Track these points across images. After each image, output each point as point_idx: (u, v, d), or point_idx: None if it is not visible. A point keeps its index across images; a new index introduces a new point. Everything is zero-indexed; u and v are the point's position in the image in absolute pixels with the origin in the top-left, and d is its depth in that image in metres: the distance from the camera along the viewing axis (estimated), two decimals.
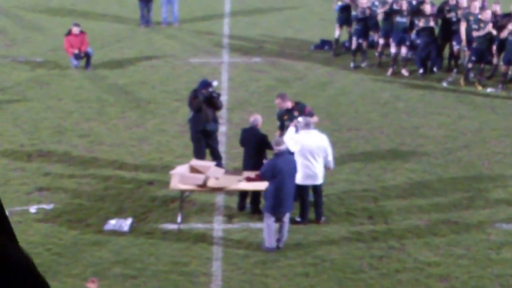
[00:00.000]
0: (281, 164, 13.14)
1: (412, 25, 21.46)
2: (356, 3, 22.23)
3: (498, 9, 21.14)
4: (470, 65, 20.65)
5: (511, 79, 20.76)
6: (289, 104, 14.87)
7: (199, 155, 15.57)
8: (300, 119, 14.21)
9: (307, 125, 13.98)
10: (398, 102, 20.00)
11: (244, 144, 14.53)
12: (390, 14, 21.58)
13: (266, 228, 13.32)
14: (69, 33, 22.00)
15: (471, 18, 20.53)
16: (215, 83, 15.78)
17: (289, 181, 13.15)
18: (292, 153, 13.50)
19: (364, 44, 22.17)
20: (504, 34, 20.12)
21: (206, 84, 15.60)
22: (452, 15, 21.48)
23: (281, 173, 13.07)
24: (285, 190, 13.15)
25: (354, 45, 22.19)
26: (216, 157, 15.73)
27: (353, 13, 22.23)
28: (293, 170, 13.22)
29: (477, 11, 20.57)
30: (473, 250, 13.47)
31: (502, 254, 13.34)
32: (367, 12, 21.86)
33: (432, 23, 20.99)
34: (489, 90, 20.51)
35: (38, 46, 24.15)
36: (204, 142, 15.61)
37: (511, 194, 15.37)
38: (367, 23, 22.03)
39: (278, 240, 13.39)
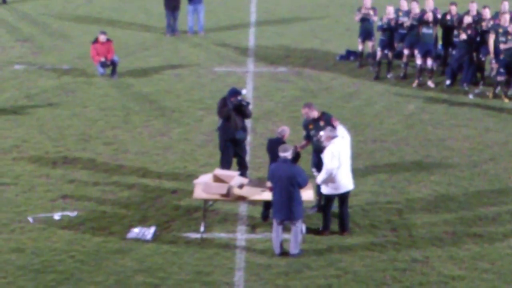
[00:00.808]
0: (274, 170, 13.33)
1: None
2: (368, 13, 22.10)
3: None
4: (499, 78, 20.49)
5: None
6: (315, 114, 14.83)
7: (226, 164, 15.61)
8: (321, 132, 14.18)
9: (332, 131, 13.97)
10: (423, 114, 19.89)
11: (270, 154, 14.50)
12: (416, 25, 21.48)
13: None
14: (95, 41, 22.13)
15: (501, 30, 20.37)
16: (244, 91, 15.83)
17: (278, 188, 13.24)
18: (289, 161, 13.39)
19: (390, 55, 22.09)
20: None
21: (235, 92, 15.61)
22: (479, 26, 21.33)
23: (274, 180, 13.29)
24: (276, 197, 13.32)
25: (378, 56, 22.11)
26: (242, 166, 15.73)
27: (379, 23, 22.15)
28: (285, 178, 13.16)
29: (507, 23, 20.39)
30: (498, 264, 13.33)
31: None
32: (392, 22, 21.79)
33: (463, 36, 20.78)
34: None
35: (65, 54, 24.31)
36: (232, 150, 15.62)
37: None
38: (392, 34, 21.95)
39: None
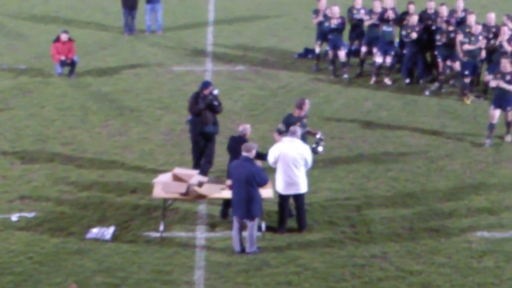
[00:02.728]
0: (234, 168, 13.44)
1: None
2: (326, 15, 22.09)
3: (491, 21, 20.99)
4: (466, 80, 20.59)
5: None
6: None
7: (195, 157, 15.94)
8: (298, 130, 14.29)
9: (292, 134, 14.06)
10: (381, 111, 20.07)
11: (231, 152, 14.55)
12: (376, 23, 21.62)
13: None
14: (57, 39, 21.96)
15: (468, 31, 20.41)
16: (216, 92, 15.88)
17: (237, 186, 13.34)
18: (249, 160, 13.44)
19: (342, 55, 22.04)
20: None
21: (207, 84, 15.91)
22: (429, 23, 21.44)
23: (233, 178, 13.41)
24: (235, 195, 13.43)
25: (331, 55, 22.13)
26: (208, 160, 15.82)
27: (326, 24, 22.13)
28: (244, 177, 13.22)
29: (473, 24, 20.48)
30: (454, 258, 13.53)
31: (483, 263, 13.40)
32: (338, 21, 21.76)
33: (414, 35, 20.92)
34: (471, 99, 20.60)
35: (21, 54, 24.06)
36: (202, 144, 15.87)
37: (492, 203, 15.45)
38: (340, 33, 21.98)
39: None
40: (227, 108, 19.99)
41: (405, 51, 21.55)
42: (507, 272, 13.15)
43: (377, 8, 21.80)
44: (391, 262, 13.39)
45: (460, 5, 21.92)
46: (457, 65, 20.90)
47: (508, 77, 17.70)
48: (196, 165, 15.90)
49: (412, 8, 21.77)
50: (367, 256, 13.57)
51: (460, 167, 16.97)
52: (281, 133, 14.79)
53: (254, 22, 27.75)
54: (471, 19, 20.64)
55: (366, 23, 21.88)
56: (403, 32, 21.20)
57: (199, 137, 15.80)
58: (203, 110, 15.68)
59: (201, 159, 15.93)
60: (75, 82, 21.76)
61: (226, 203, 14.51)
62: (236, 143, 14.33)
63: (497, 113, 17.84)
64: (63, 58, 21.84)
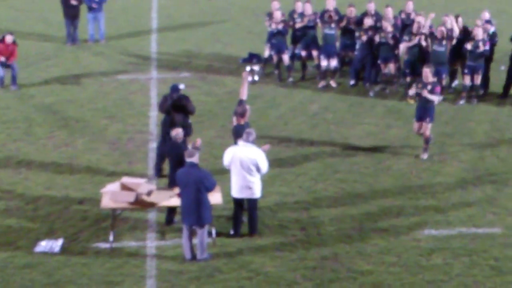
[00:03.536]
0: (180, 175, 13.34)
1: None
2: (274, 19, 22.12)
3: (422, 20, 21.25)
4: (407, 79, 20.84)
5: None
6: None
7: (158, 158, 16.39)
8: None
9: (248, 137, 14.05)
10: (327, 113, 20.21)
11: (168, 158, 14.61)
12: (312, 26, 21.75)
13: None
14: (1, 40, 21.67)
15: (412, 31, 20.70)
16: (181, 86, 16.11)
17: (186, 193, 13.27)
18: (195, 166, 13.42)
19: (285, 58, 22.15)
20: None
21: (176, 88, 16.10)
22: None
23: (181, 185, 13.32)
24: (183, 202, 13.36)
25: (275, 59, 22.22)
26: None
27: (268, 28, 22.21)
28: (192, 183, 13.19)
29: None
30: (404, 257, 13.68)
31: (432, 260, 13.57)
32: (287, 26, 21.85)
33: (364, 37, 21.08)
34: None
35: None
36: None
37: (439, 201, 15.67)
38: (283, 37, 22.06)
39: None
40: None
41: (356, 53, 21.71)
42: (456, 268, 13.34)
43: (308, 10, 21.89)
44: (342, 263, 13.48)
45: (410, 7, 22.15)
46: (392, 67, 21.17)
47: (429, 87, 17.10)
48: (157, 166, 16.00)
49: (353, 10, 21.90)
50: (318, 258, 13.64)
51: (406, 167, 17.16)
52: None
53: (198, 29, 27.75)
54: (419, 20, 20.86)
55: (297, 25, 21.93)
56: (356, 34, 21.41)
57: (167, 136, 15.73)
58: (170, 107, 15.88)
59: (164, 161, 15.99)
60: (18, 93, 21.49)
61: (170, 209, 14.50)
62: (169, 149, 14.53)
63: (420, 125, 17.45)
64: (3, 59, 21.55)
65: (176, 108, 15.95)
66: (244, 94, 15.66)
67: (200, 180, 13.21)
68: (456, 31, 20.44)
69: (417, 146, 17.87)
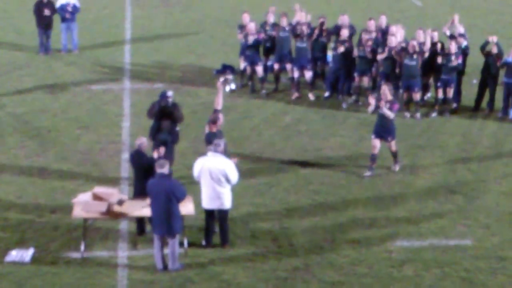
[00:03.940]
0: (151, 185, 13.30)
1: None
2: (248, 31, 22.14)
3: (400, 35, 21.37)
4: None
5: (409, 102, 21.15)
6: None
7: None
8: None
9: (216, 148, 14.06)
10: (300, 125, 20.27)
11: (133, 168, 14.60)
12: (284, 38, 21.84)
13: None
14: None
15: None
16: (169, 93, 16.18)
17: (156, 203, 13.22)
18: (166, 176, 13.40)
19: (259, 70, 22.19)
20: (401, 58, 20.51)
21: (164, 95, 16.12)
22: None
23: (152, 195, 13.26)
24: (154, 212, 13.30)
25: (248, 71, 22.26)
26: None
27: (242, 41, 22.26)
28: (163, 193, 13.13)
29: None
30: (375, 268, 13.71)
31: (403, 272, 13.62)
32: (255, 37, 21.90)
33: (342, 48, 21.15)
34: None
35: None
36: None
37: (410, 212, 15.74)
38: (257, 49, 22.12)
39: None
40: (146, 126, 19.89)
41: (331, 65, 21.79)
42: (427, 280, 13.39)
43: (283, 22, 21.96)
44: (313, 274, 13.49)
45: (383, 21, 22.27)
46: (366, 80, 21.34)
47: (387, 105, 16.88)
48: None
49: (344, 19, 22.00)
50: (290, 269, 13.64)
51: (378, 179, 17.23)
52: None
53: (172, 40, 27.74)
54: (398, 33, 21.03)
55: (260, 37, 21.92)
56: (332, 45, 21.50)
57: (155, 142, 15.81)
58: (158, 113, 15.87)
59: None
60: None
61: (140, 219, 14.45)
62: (133, 158, 14.53)
63: (378, 142, 17.11)
64: None
65: (164, 115, 15.94)
66: (218, 104, 15.69)
67: (171, 190, 13.17)
68: (428, 45, 20.60)
69: (389, 157, 17.94)
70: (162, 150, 14.71)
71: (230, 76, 15.07)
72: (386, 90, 17.09)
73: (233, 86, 15.05)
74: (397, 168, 17.59)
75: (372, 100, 17.33)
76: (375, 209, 15.88)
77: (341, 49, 21.17)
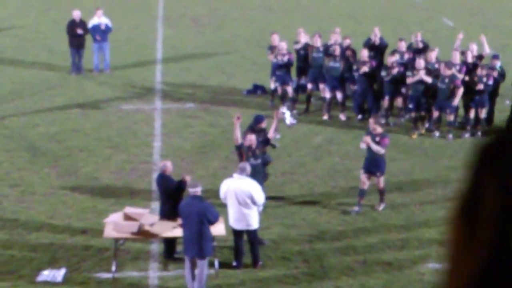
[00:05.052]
0: (183, 206, 13.29)
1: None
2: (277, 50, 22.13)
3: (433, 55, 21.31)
4: (413, 114, 20.86)
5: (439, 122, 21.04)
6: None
7: None
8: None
9: (242, 171, 14.06)
10: (331, 145, 20.21)
11: (158, 191, 14.67)
12: (321, 57, 21.83)
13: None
14: None
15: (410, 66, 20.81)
16: (283, 109, 16.23)
17: (188, 225, 13.17)
18: (198, 197, 13.38)
19: (290, 90, 22.19)
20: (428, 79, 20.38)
21: (259, 119, 16.47)
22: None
23: (184, 216, 13.24)
24: (185, 233, 13.24)
25: (279, 91, 22.27)
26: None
27: (273, 60, 22.28)
28: (195, 214, 13.08)
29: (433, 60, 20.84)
30: None
31: None
32: (286, 57, 21.86)
33: (365, 69, 21.06)
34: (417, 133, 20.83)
35: None
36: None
37: (442, 234, 15.59)
38: (288, 69, 22.12)
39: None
40: (177, 146, 19.99)
41: (356, 87, 21.70)
42: None
43: (317, 43, 21.97)
44: None
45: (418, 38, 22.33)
46: (399, 101, 21.24)
47: (377, 139, 16.05)
48: None
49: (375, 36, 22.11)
50: None
51: (409, 200, 17.11)
52: None
53: (203, 60, 27.86)
54: (431, 55, 20.96)
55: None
56: (354, 67, 21.40)
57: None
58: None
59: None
60: (23, 122, 21.53)
61: (169, 241, 14.40)
62: (157, 181, 14.55)
63: (366, 178, 16.31)
64: None
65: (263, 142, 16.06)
66: (270, 132, 16.15)
67: (203, 212, 13.14)
68: (463, 69, 20.51)
69: (420, 180, 17.80)
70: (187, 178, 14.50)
71: (284, 110, 15.16)
72: (373, 124, 16.21)
73: (294, 120, 15.18)
74: (381, 207, 16.62)
75: (362, 144, 16.28)
76: (407, 230, 15.76)
77: (364, 69, 21.06)
